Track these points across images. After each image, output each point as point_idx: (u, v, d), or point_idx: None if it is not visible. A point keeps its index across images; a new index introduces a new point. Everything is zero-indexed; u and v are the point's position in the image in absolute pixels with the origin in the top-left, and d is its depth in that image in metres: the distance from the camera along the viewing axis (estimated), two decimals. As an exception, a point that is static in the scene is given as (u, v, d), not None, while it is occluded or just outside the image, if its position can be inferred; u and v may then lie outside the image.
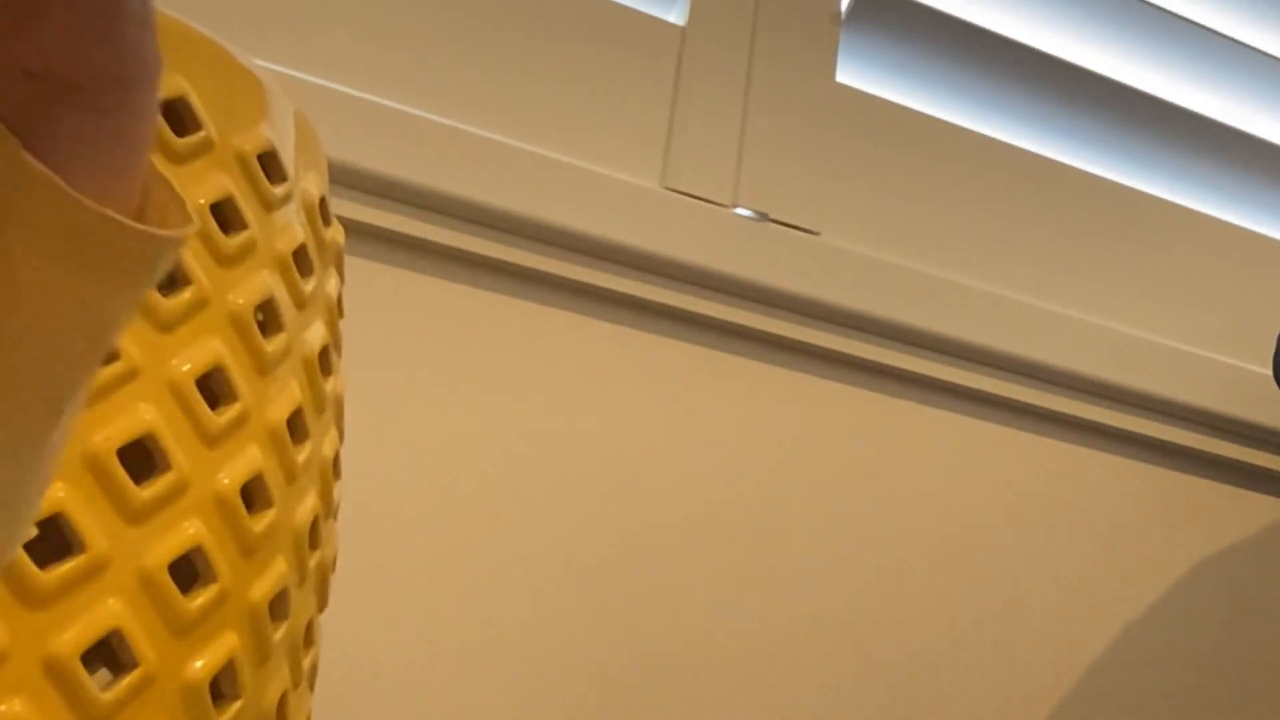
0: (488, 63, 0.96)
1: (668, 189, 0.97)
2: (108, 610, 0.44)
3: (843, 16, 1.10)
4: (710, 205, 0.97)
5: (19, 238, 0.30)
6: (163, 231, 0.33)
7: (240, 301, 0.50)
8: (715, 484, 0.93)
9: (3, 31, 0.29)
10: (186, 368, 0.47)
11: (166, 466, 0.46)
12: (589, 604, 0.86)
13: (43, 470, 0.34)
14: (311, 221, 0.57)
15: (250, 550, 0.50)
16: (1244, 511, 1.10)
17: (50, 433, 0.33)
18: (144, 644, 0.45)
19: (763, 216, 0.99)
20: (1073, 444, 1.06)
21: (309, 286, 0.56)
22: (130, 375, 0.45)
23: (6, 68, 0.29)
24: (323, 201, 0.59)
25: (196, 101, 0.50)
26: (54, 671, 0.42)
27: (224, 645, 0.48)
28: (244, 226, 0.51)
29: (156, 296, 0.47)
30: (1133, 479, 1.07)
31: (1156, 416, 1.08)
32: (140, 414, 0.45)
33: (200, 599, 0.47)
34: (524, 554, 0.86)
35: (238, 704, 0.49)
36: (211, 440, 0.48)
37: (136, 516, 0.45)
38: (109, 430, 0.44)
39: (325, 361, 0.57)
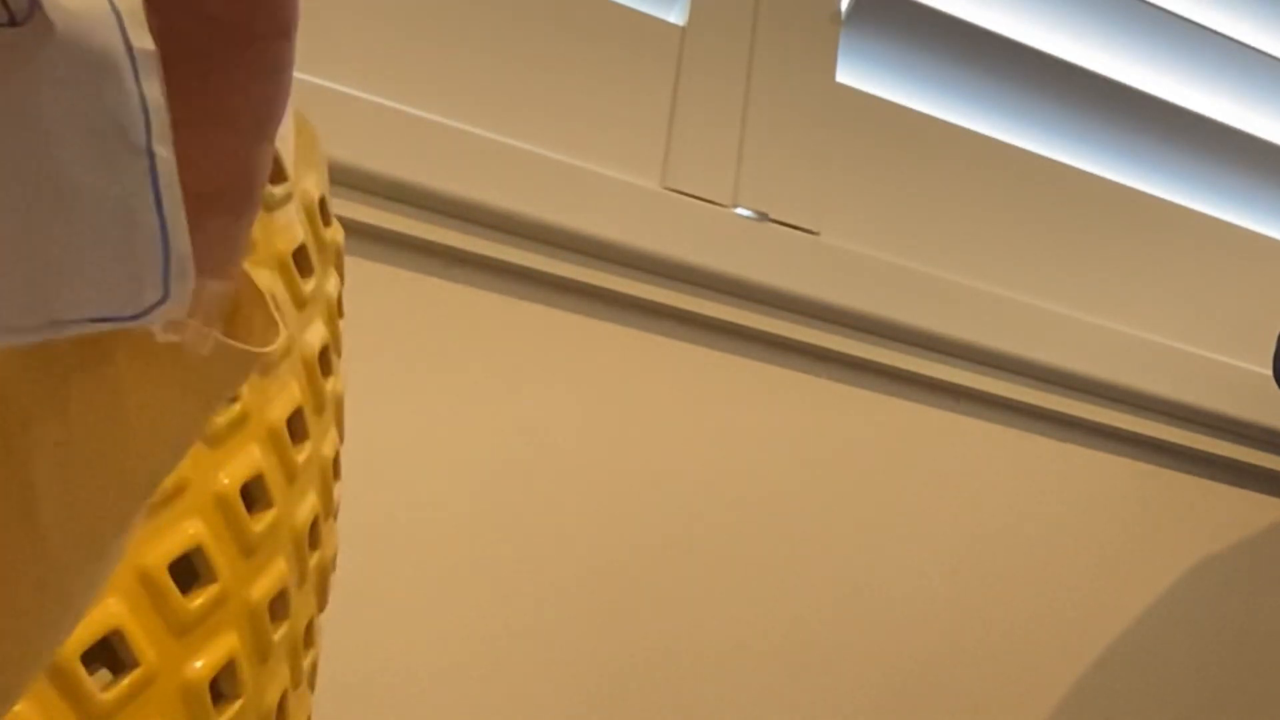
0: (488, 63, 0.96)
1: (668, 189, 0.97)
2: (107, 609, 0.44)
3: (843, 16, 1.10)
4: (710, 205, 0.97)
5: (128, 361, 0.32)
6: (264, 350, 0.35)
7: (240, 301, 0.50)
8: (714, 484, 0.93)
9: None
10: (186, 368, 0.47)
11: (166, 466, 0.46)
12: (585, 602, 0.86)
13: (106, 570, 0.35)
14: (311, 221, 0.57)
15: (250, 550, 0.49)
16: (1244, 511, 1.10)
17: (123, 533, 0.35)
18: (144, 643, 0.45)
19: (763, 216, 0.99)
20: (1073, 444, 1.06)
21: (309, 286, 0.56)
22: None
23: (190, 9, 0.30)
24: (323, 201, 0.59)
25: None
26: (54, 671, 0.42)
27: (224, 645, 0.48)
28: (244, 226, 0.51)
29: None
30: (1133, 479, 1.07)
31: (1156, 416, 1.08)
32: (140, 414, 0.45)
33: (200, 599, 0.47)
34: (522, 553, 0.86)
35: (238, 704, 0.49)
36: (211, 440, 0.48)
37: (136, 516, 0.45)
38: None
39: (325, 361, 0.57)
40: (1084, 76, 1.17)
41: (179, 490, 0.46)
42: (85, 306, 0.29)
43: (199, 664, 0.47)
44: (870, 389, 1.00)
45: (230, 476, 0.49)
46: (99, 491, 0.33)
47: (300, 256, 0.55)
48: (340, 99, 0.86)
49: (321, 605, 0.60)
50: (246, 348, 0.34)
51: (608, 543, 0.88)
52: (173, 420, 0.34)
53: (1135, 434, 1.07)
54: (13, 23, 0.26)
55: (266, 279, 0.52)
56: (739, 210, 0.99)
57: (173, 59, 0.30)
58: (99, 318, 0.29)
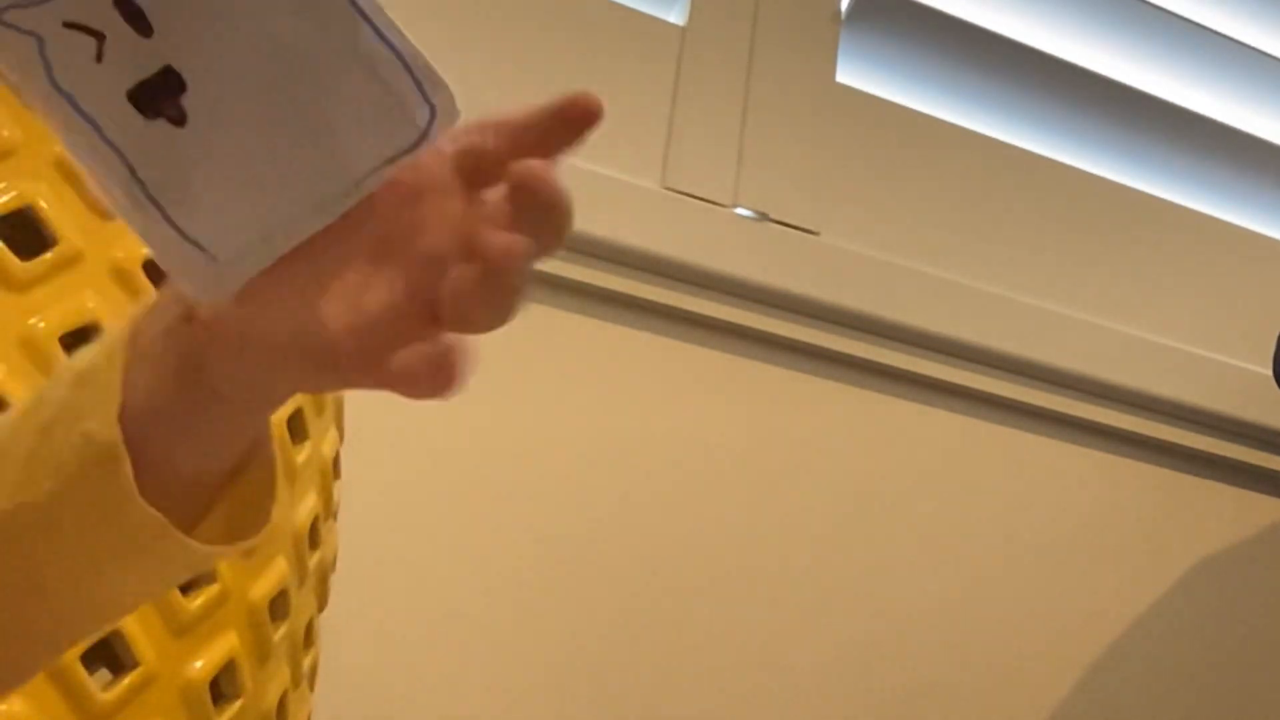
0: (487, 62, 0.96)
1: (668, 189, 0.97)
2: (108, 610, 0.44)
3: (843, 16, 1.10)
4: (710, 205, 0.97)
5: (116, 556, 0.34)
6: (229, 549, 0.36)
7: (240, 301, 0.50)
8: (713, 482, 0.93)
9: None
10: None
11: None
12: (584, 600, 0.86)
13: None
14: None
15: (250, 550, 0.49)
16: (1244, 511, 1.10)
17: (24, 679, 0.38)
18: (144, 644, 0.45)
19: (763, 216, 0.99)
20: (1073, 444, 1.06)
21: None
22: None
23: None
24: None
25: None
26: (54, 671, 0.42)
27: (224, 645, 0.48)
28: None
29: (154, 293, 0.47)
30: (1133, 479, 1.07)
31: (1156, 416, 1.08)
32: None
33: (200, 599, 0.47)
34: (521, 551, 0.85)
35: (238, 704, 0.49)
36: (211, 440, 0.48)
37: (136, 516, 0.45)
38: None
39: (325, 361, 0.57)
40: (1084, 76, 1.17)
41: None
42: (373, 153, 0.30)
43: (199, 664, 0.47)
44: (870, 389, 1.00)
45: (230, 476, 0.48)
46: (7, 642, 0.35)
47: (300, 256, 0.55)
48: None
49: (321, 605, 0.60)
50: (207, 547, 0.35)
51: (606, 540, 0.88)
52: (110, 595, 0.36)
53: (1137, 434, 1.07)
54: None
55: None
56: (739, 210, 0.99)
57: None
58: (391, 157, 0.31)
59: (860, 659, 0.93)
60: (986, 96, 1.15)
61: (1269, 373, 0.97)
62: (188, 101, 0.30)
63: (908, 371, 1.00)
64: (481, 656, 0.82)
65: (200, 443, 0.34)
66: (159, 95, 0.30)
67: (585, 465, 0.89)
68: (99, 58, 0.29)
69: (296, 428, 0.54)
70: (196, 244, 0.30)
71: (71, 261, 0.47)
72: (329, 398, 0.58)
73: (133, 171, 0.30)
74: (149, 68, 0.29)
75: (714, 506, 0.92)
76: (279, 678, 0.53)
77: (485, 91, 0.95)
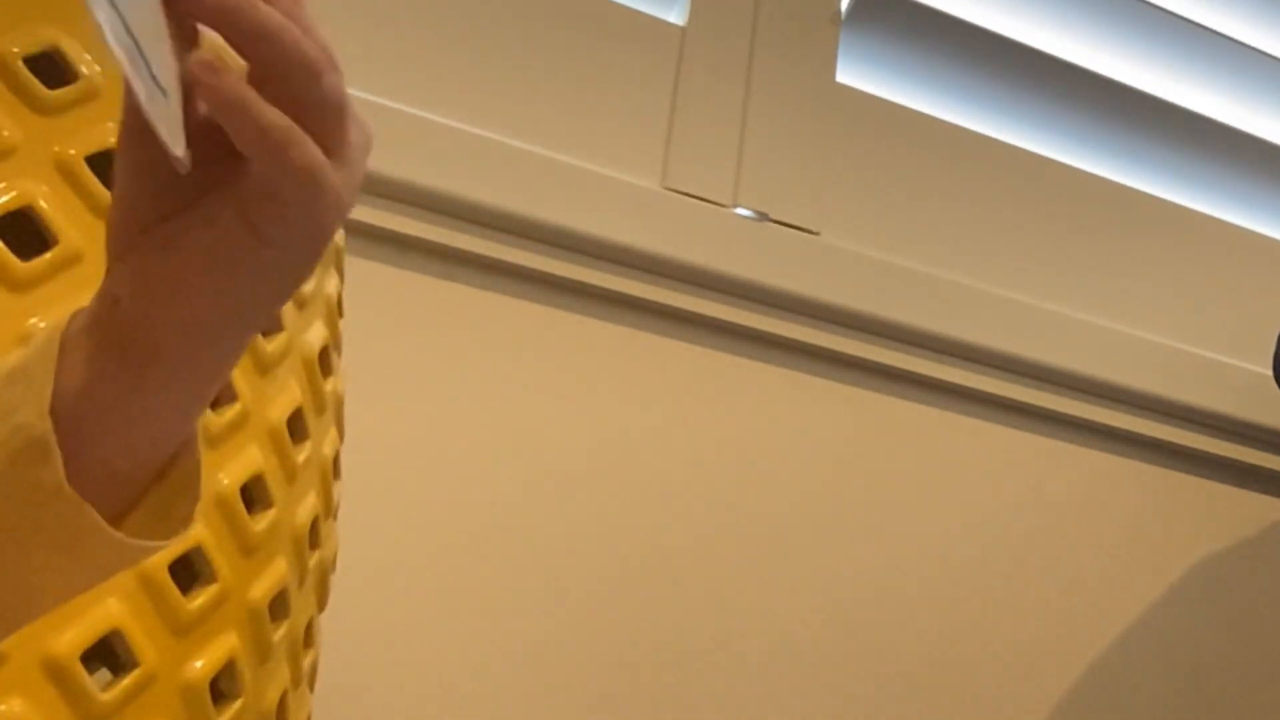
0: (488, 63, 0.96)
1: (668, 189, 0.97)
2: (108, 610, 0.44)
3: (843, 16, 1.10)
4: (710, 205, 0.97)
5: (43, 552, 0.34)
6: (160, 544, 0.36)
7: (240, 301, 0.50)
8: (714, 482, 0.93)
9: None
10: (186, 368, 0.47)
11: (166, 466, 0.46)
12: (583, 599, 0.86)
13: None
14: (311, 221, 0.57)
15: (250, 550, 0.50)
16: (1244, 511, 1.10)
17: None
18: (144, 644, 0.45)
19: (763, 216, 0.99)
20: (1073, 444, 1.06)
21: (309, 287, 0.56)
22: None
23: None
24: (323, 201, 0.58)
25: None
26: (54, 671, 0.42)
27: (224, 645, 0.48)
28: (244, 226, 0.51)
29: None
30: (1133, 479, 1.07)
31: (1156, 416, 1.08)
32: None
33: (200, 599, 0.47)
34: (522, 552, 0.86)
35: (238, 704, 0.49)
36: (211, 440, 0.48)
37: (136, 516, 0.45)
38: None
39: (325, 361, 0.57)
40: (1084, 76, 1.17)
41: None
42: None
43: (199, 664, 0.47)
44: (870, 389, 1.00)
45: (230, 476, 0.49)
46: None
47: (300, 256, 0.55)
48: (340, 99, 0.85)
49: (321, 605, 0.60)
50: (137, 542, 0.35)
51: (605, 540, 0.88)
52: (39, 589, 0.36)
53: (1135, 434, 1.07)
54: None
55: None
56: (739, 210, 0.99)
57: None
58: None
59: (863, 658, 0.93)
60: (986, 96, 1.15)
61: (1269, 373, 0.97)
62: None
63: (908, 371, 1.00)
64: (481, 656, 0.82)
65: (135, 429, 0.35)
66: None
67: (585, 465, 0.89)
68: None
69: (296, 428, 0.54)
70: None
71: (71, 261, 0.47)
72: (329, 398, 0.58)
73: (150, 67, 0.32)
74: None
75: (714, 506, 0.92)
76: (279, 678, 0.53)
77: (485, 91, 0.95)
